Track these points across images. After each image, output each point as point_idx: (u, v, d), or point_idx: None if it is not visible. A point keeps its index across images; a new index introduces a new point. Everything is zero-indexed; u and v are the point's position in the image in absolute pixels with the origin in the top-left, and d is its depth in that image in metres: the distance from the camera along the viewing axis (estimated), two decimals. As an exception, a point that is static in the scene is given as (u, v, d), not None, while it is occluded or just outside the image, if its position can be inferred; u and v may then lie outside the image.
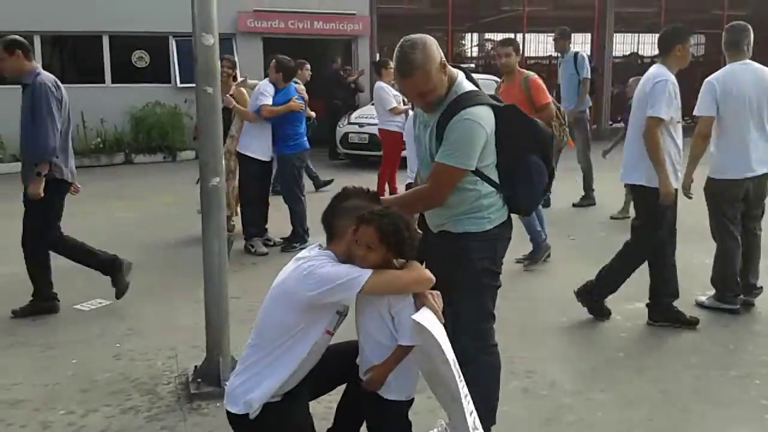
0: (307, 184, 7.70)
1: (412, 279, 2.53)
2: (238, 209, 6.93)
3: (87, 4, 12.92)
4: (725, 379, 3.78)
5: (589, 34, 19.86)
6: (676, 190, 4.36)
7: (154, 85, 13.92)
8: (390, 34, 16.89)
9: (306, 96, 7.06)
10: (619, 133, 7.80)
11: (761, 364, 3.96)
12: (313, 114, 9.99)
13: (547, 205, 7.61)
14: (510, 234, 2.92)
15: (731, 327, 4.50)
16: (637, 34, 26.23)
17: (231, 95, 6.70)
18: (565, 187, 7.92)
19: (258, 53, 14.14)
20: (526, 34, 17.00)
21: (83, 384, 3.76)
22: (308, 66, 10.18)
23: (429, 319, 2.43)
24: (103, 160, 13.04)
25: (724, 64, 4.75)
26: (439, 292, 2.57)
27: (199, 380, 3.63)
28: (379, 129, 9.13)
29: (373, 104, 11.15)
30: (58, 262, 4.95)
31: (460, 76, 2.79)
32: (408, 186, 4.51)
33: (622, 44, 25.02)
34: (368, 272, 2.44)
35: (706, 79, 4.63)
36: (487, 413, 2.86)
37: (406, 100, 7.97)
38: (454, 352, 2.88)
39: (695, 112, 4.64)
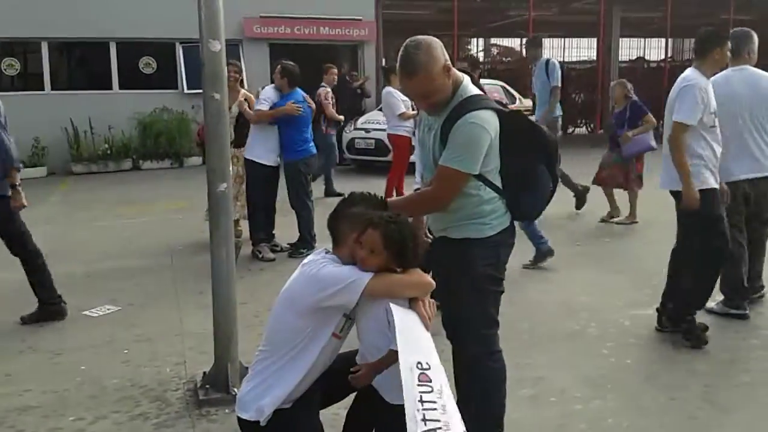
0: (317, 190, 7.72)
1: (412, 283, 2.53)
2: (246, 213, 6.94)
3: (94, 11, 13.01)
4: (734, 386, 3.76)
5: (595, 39, 19.87)
6: (715, 189, 4.22)
7: (162, 91, 13.99)
8: (396, 39, 16.94)
9: (312, 104, 7.06)
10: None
11: (771, 370, 3.94)
12: (340, 118, 10.16)
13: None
14: (513, 240, 2.90)
15: (741, 333, 4.48)
16: (643, 39, 26.29)
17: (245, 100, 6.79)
18: (568, 193, 7.90)
19: (264, 59, 14.20)
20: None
21: (92, 390, 3.77)
22: (335, 69, 10.33)
23: (403, 319, 2.37)
24: (110, 166, 13.13)
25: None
26: (432, 300, 2.57)
27: (207, 386, 3.63)
28: (388, 134, 9.15)
29: (379, 109, 11.20)
30: (66, 268, 4.98)
31: (466, 80, 2.79)
32: (416, 191, 4.51)
33: (628, 48, 25.09)
34: (369, 275, 2.45)
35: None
36: (490, 420, 2.86)
37: (415, 105, 7.98)
38: (458, 357, 2.88)
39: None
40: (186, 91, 13.98)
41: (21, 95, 12.88)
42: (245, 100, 6.77)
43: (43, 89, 13.59)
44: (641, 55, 23.90)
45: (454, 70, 2.74)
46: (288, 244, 6.76)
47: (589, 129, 19.23)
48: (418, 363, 2.26)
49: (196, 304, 5.03)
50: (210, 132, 3.57)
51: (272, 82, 6.93)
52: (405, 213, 2.67)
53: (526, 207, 2.87)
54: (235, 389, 3.44)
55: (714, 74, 4.34)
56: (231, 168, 3.83)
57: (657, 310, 4.56)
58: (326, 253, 2.62)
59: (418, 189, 4.47)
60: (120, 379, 3.90)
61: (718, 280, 4.59)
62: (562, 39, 26.83)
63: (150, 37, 13.65)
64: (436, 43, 2.67)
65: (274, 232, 6.82)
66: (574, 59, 25.34)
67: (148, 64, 14.17)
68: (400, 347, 2.27)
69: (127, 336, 4.58)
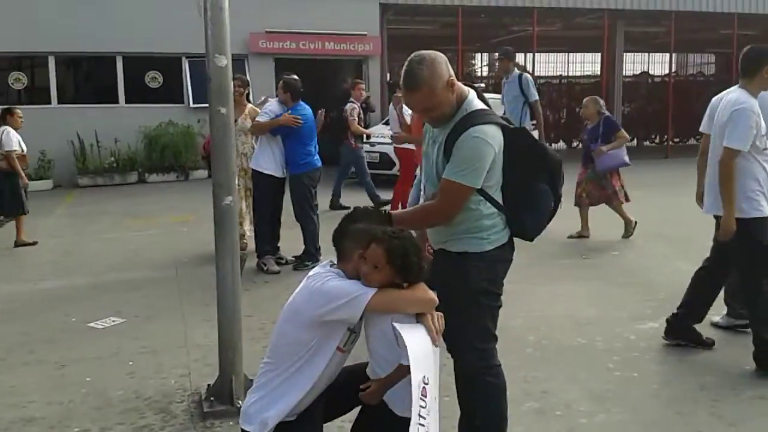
0: (323, 202, 7.73)
1: (415, 299, 2.52)
2: (251, 226, 6.96)
3: (101, 26, 13.14)
4: (741, 400, 3.74)
5: (599, 54, 19.92)
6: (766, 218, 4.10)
7: (167, 105, 14.10)
8: (400, 54, 17.01)
9: (321, 118, 7.10)
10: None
11: (778, 384, 3.92)
12: (365, 131, 10.49)
13: None
14: (511, 256, 2.89)
15: (748, 347, 4.44)
16: (647, 53, 26.36)
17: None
18: (573, 207, 7.90)
19: (270, 73, 14.28)
20: (536, 54, 17.05)
21: (97, 402, 3.77)
22: (362, 85, 10.60)
23: (412, 336, 2.39)
24: (116, 179, 13.20)
25: (736, 83, 4.73)
26: (441, 314, 2.55)
27: (212, 399, 3.63)
28: (394, 147, 9.19)
29: (384, 123, 11.25)
30: (71, 280, 4.99)
31: (471, 94, 2.79)
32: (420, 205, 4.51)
33: (632, 63, 25.14)
34: (372, 291, 2.45)
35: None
36: None
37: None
38: (458, 371, 2.87)
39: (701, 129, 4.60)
40: (192, 105, 14.07)
41: (28, 109, 12.86)
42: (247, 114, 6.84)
43: (50, 103, 13.72)
44: (645, 70, 23.97)
45: (459, 84, 2.75)
46: (293, 256, 6.77)
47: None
48: (424, 377, 2.32)
49: (201, 316, 5.03)
50: (216, 146, 3.60)
51: (278, 96, 6.98)
52: (409, 227, 2.67)
53: (528, 226, 2.85)
54: (240, 402, 3.44)
55: (758, 93, 4.15)
56: (238, 181, 3.86)
57: (667, 320, 4.52)
58: (331, 266, 2.63)
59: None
60: (125, 391, 3.90)
61: (721, 293, 4.58)
62: (566, 54, 26.91)
63: (156, 51, 13.78)
64: (441, 58, 2.68)
65: (279, 244, 6.84)
66: (578, 74, 25.41)
67: (154, 78, 14.29)
68: (413, 365, 2.31)
69: (132, 348, 4.58)
